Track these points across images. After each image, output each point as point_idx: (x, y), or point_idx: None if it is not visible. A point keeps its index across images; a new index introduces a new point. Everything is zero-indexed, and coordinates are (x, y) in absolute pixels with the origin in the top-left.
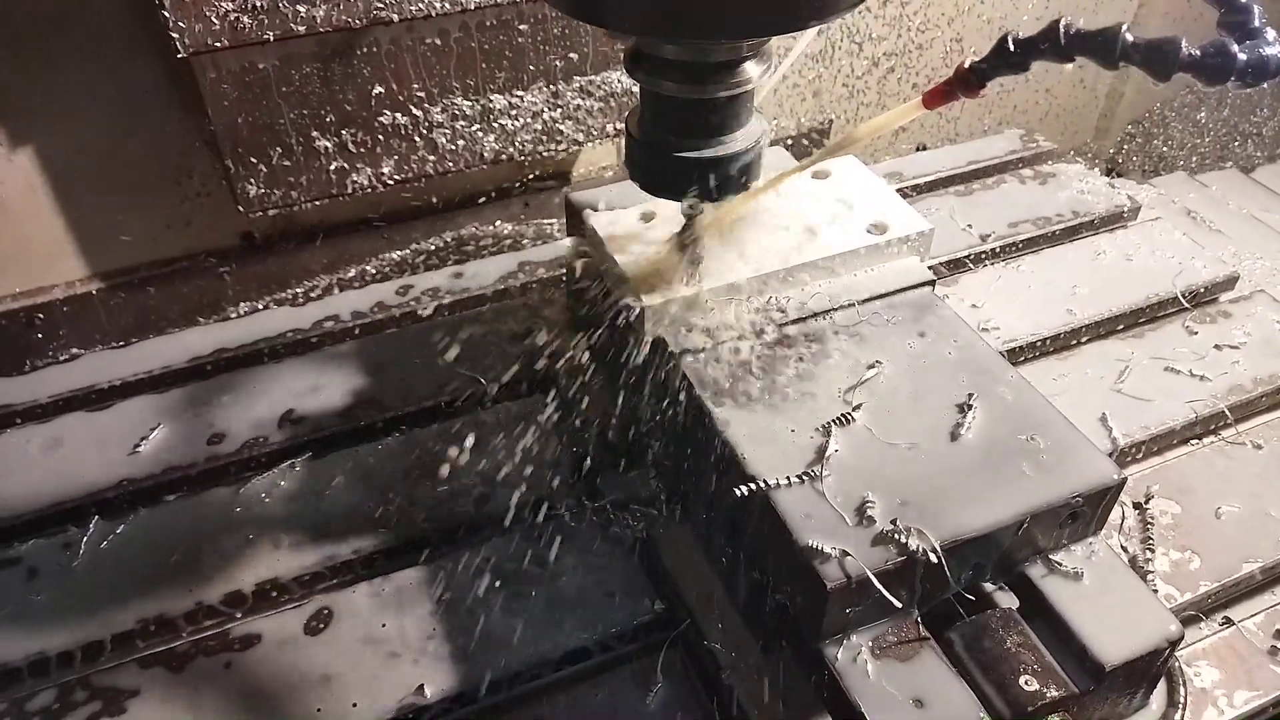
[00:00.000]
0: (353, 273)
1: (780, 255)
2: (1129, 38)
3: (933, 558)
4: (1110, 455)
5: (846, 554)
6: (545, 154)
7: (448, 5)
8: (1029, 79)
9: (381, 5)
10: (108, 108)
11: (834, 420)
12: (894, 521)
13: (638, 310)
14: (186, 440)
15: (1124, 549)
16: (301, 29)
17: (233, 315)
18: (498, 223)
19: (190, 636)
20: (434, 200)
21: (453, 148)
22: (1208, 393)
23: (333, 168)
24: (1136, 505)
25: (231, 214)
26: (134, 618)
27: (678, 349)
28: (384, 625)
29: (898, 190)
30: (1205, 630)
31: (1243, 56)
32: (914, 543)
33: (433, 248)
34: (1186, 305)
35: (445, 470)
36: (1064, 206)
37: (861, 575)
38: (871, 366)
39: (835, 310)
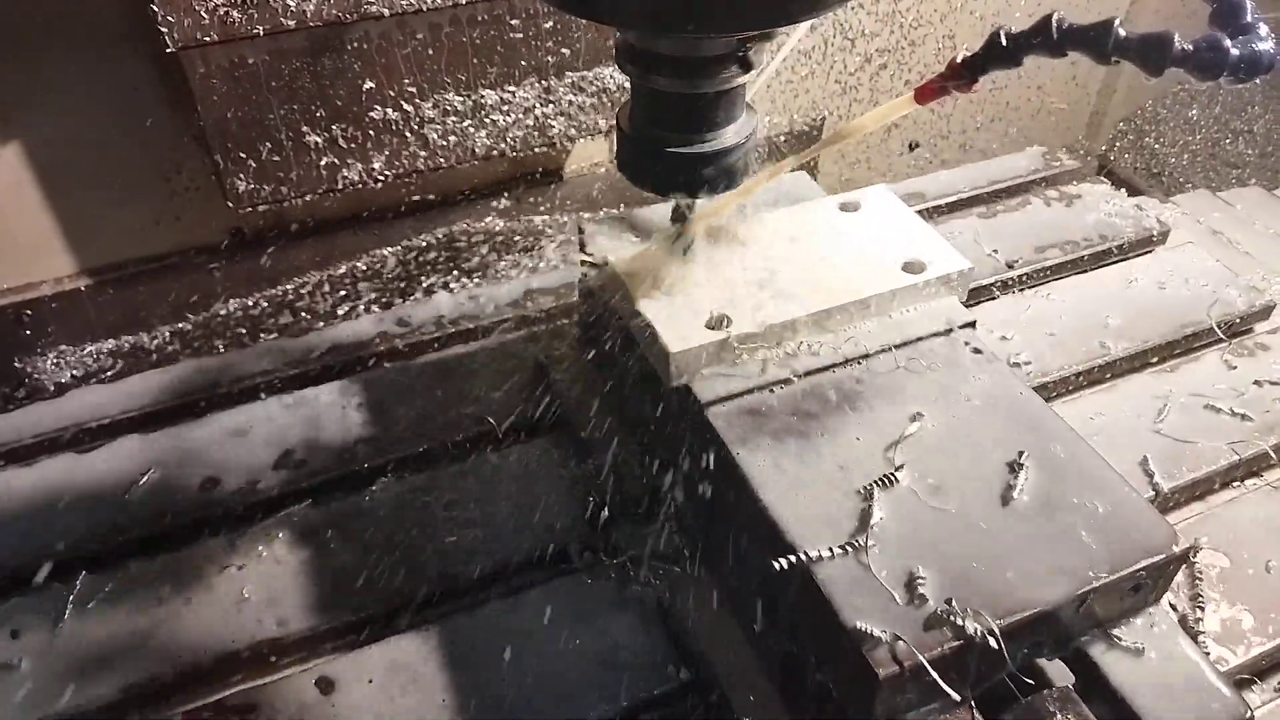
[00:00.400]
0: (343, 269)
1: (812, 297)
2: (1122, 32)
3: (991, 642)
4: (1153, 501)
5: (898, 638)
6: (537, 150)
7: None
8: (1021, 75)
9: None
10: (96, 103)
11: (876, 482)
12: (949, 601)
13: (663, 356)
14: (178, 486)
15: (1172, 606)
16: (291, 23)
17: (221, 312)
18: (489, 218)
19: (182, 706)
20: (425, 196)
21: (444, 143)
22: (1250, 432)
23: (323, 163)
24: (1184, 558)
25: (221, 210)
26: (122, 685)
27: (705, 398)
28: (392, 696)
29: (920, 212)
30: (1259, 696)
31: (1235, 52)
32: (970, 625)
33: (424, 244)
34: (1222, 336)
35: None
36: (1091, 230)
37: (915, 662)
38: (913, 419)
39: (871, 356)
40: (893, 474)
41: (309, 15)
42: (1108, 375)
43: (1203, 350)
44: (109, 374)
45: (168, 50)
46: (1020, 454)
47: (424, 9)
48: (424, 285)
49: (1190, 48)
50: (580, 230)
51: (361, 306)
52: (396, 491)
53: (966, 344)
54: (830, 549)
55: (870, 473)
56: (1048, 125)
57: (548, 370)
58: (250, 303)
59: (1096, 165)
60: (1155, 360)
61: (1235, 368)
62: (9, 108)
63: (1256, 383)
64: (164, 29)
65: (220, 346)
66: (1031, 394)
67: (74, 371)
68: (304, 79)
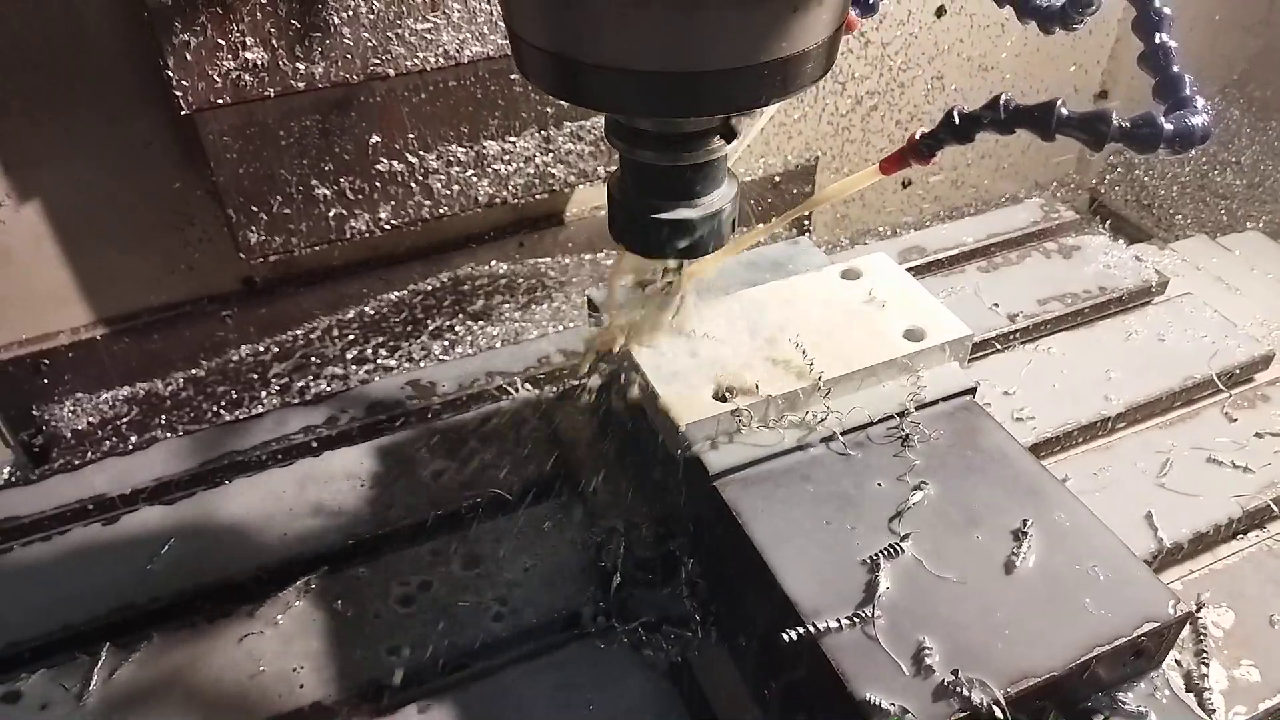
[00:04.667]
0: (351, 314)
1: (816, 367)
2: (1064, 112)
3: (997, 712)
4: (1157, 556)
5: (906, 711)
6: (539, 196)
7: (442, 60)
8: None
9: (378, 61)
10: (111, 159)
11: (882, 552)
12: (955, 673)
13: (672, 428)
14: (197, 556)
15: (1177, 663)
16: (301, 85)
17: (234, 358)
18: (493, 262)
19: None
20: (430, 242)
21: (448, 192)
22: (1252, 485)
23: (331, 214)
24: (1188, 615)
25: (232, 259)
26: None
27: (714, 469)
28: None
29: (920, 266)
30: None
31: (1169, 127)
32: (977, 695)
33: (430, 288)
34: (1223, 388)
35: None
36: (1091, 282)
37: None
38: (917, 489)
39: (874, 424)
40: (898, 544)
41: (318, 77)
42: (1110, 429)
43: (1204, 401)
44: (124, 420)
45: (182, 113)
46: (1025, 522)
47: (427, 69)
48: (430, 329)
49: (1128, 124)
50: (589, 299)
51: (369, 350)
52: (409, 558)
53: (968, 411)
54: (838, 620)
55: (876, 542)
56: (1038, 160)
57: (558, 432)
58: (261, 348)
59: (1088, 199)
60: (1157, 413)
61: (1236, 420)
62: (28, 165)
63: (1257, 434)
64: (179, 93)
65: (233, 393)
66: (1032, 460)
67: (90, 419)
68: (313, 135)
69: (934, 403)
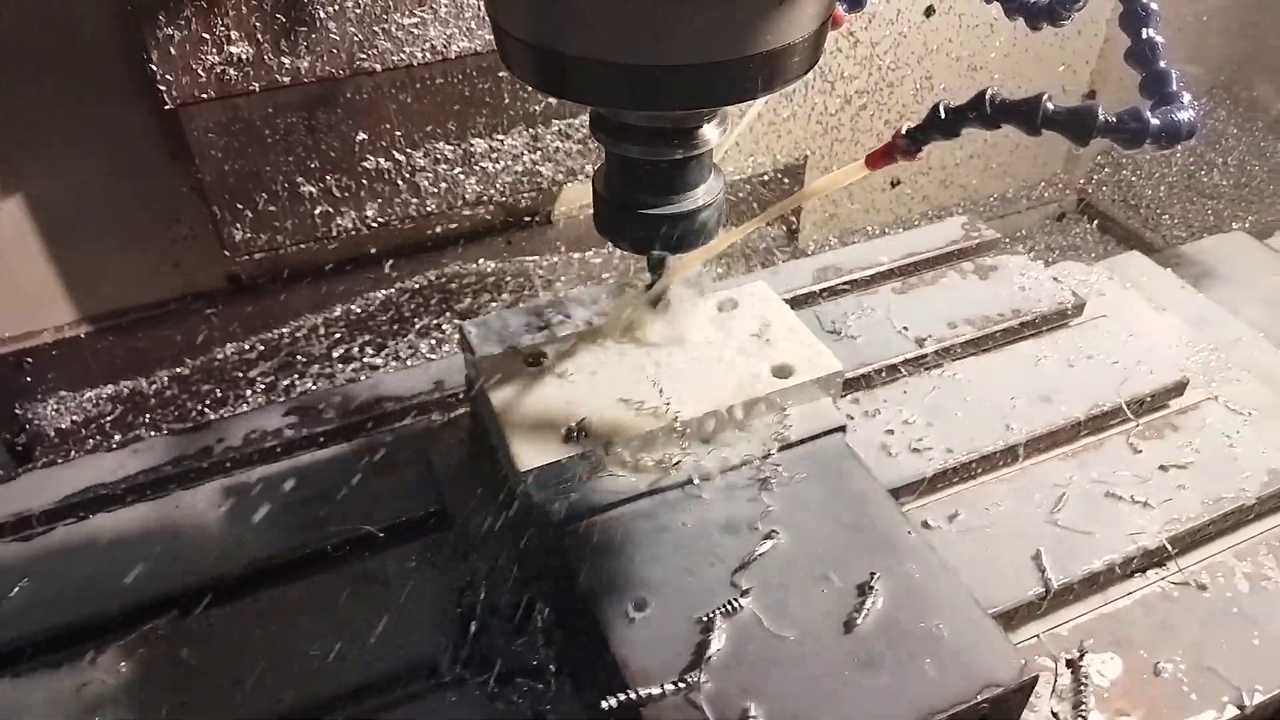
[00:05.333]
0: (338, 312)
1: (676, 406)
2: (1050, 106)
3: None
4: (1044, 599)
5: None
6: (526, 194)
7: (429, 55)
8: None
9: (364, 56)
10: (98, 154)
11: (720, 609)
12: None
13: (515, 472)
14: (37, 599)
15: (1054, 715)
16: (286, 80)
17: (220, 356)
18: (480, 261)
19: None
20: (417, 240)
21: (435, 190)
22: (1151, 522)
23: (317, 212)
24: (1070, 663)
25: (218, 257)
26: None
27: (558, 516)
28: None
29: (834, 286)
30: None
31: (1155, 122)
32: None
33: (416, 286)
34: (1131, 417)
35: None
36: (1005, 304)
37: None
38: (768, 537)
39: (733, 469)
40: (737, 600)
41: (303, 72)
42: (1010, 460)
43: (1111, 430)
44: (108, 419)
45: (166, 107)
46: (872, 575)
47: (414, 64)
48: (416, 327)
49: (1114, 119)
50: (461, 331)
51: (356, 349)
52: (263, 601)
53: (834, 451)
54: (663, 686)
55: (718, 597)
56: (1026, 159)
57: (433, 468)
58: (247, 346)
59: (1075, 198)
60: (1061, 443)
61: (1140, 451)
62: (13, 160)
63: (1161, 467)
64: (162, 86)
65: (218, 391)
66: (893, 506)
67: (74, 417)
68: (299, 132)
69: (800, 443)
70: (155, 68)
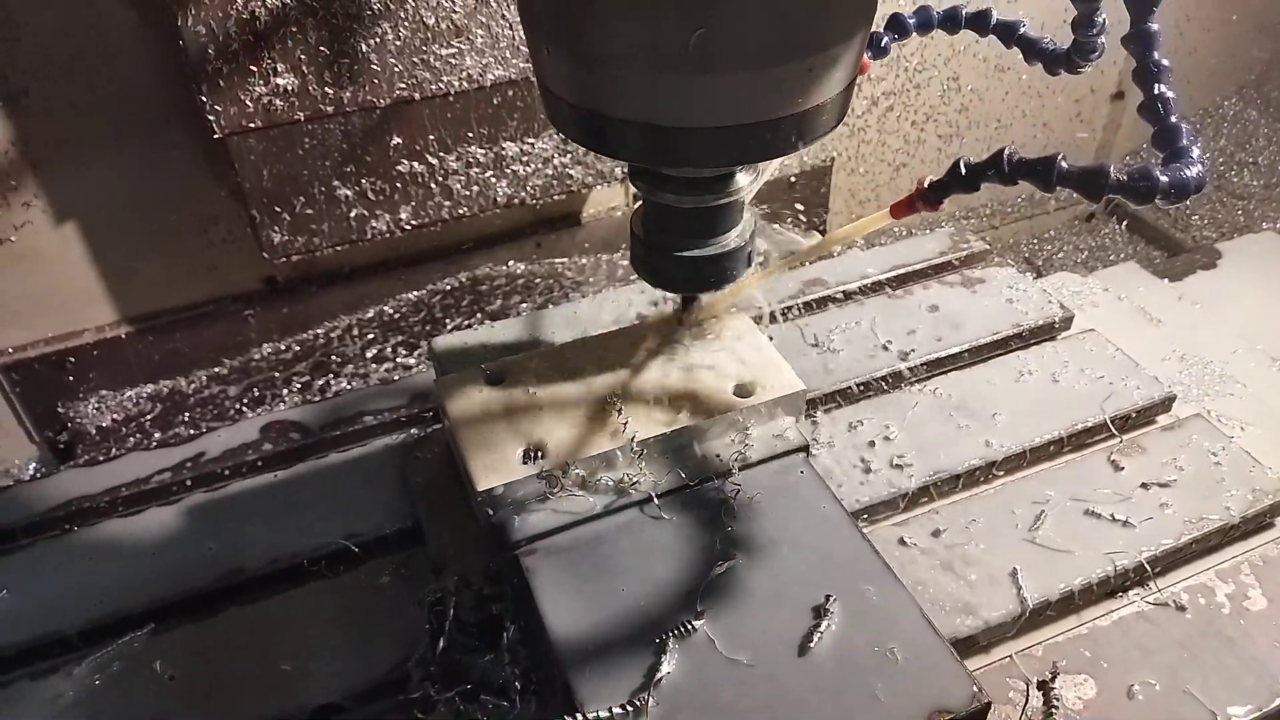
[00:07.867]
0: (371, 313)
1: (635, 426)
2: (1064, 166)
3: None
4: (1020, 619)
5: None
6: (556, 197)
7: (465, 84)
8: (1025, 114)
9: (404, 85)
10: (138, 162)
11: (673, 631)
12: None
13: (472, 491)
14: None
15: None
16: (330, 109)
17: (256, 356)
18: (511, 263)
19: None
20: (450, 242)
21: (467, 193)
22: (1131, 541)
23: (353, 215)
24: (1041, 684)
25: (255, 259)
26: None
27: (516, 536)
28: None
29: (820, 299)
30: None
31: (1164, 179)
32: None
33: (448, 287)
34: (1114, 433)
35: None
36: (991, 317)
37: None
38: (725, 559)
39: (691, 488)
40: (690, 622)
41: (346, 102)
42: (990, 476)
43: (1094, 447)
44: (148, 418)
45: (215, 136)
46: (828, 598)
47: (451, 94)
48: (448, 328)
49: (1124, 178)
50: (430, 347)
51: (389, 349)
52: (237, 617)
53: (796, 471)
54: (610, 709)
55: (672, 619)
56: None
57: (408, 483)
58: (283, 347)
59: (1105, 200)
60: (1043, 459)
61: (1123, 468)
62: (57, 167)
63: (1143, 485)
64: (211, 117)
65: (255, 390)
66: (853, 527)
67: (114, 416)
68: (335, 139)
69: (760, 463)
70: (205, 99)
